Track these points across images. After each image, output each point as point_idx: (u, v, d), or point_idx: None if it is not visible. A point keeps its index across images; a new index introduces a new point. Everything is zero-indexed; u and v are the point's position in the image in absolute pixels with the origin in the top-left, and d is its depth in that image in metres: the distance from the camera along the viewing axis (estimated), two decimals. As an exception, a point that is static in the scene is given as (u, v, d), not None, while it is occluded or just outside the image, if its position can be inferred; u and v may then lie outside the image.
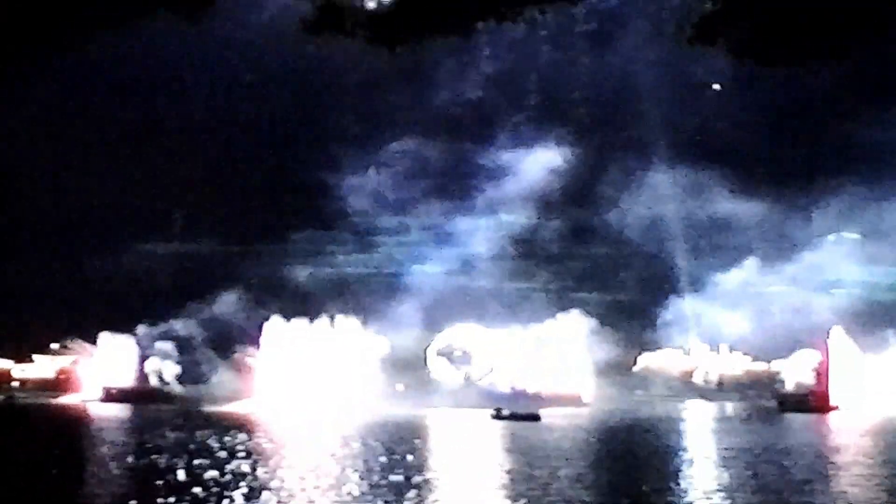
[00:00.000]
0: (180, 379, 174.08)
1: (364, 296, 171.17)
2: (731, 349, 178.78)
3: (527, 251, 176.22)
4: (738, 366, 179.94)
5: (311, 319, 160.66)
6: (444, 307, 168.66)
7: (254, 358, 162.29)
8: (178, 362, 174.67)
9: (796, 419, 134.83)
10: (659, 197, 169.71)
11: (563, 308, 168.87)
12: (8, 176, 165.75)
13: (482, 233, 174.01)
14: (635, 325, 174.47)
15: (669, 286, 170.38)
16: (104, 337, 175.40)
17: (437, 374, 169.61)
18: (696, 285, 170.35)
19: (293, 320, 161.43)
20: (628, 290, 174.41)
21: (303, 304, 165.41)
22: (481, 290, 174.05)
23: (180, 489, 56.74)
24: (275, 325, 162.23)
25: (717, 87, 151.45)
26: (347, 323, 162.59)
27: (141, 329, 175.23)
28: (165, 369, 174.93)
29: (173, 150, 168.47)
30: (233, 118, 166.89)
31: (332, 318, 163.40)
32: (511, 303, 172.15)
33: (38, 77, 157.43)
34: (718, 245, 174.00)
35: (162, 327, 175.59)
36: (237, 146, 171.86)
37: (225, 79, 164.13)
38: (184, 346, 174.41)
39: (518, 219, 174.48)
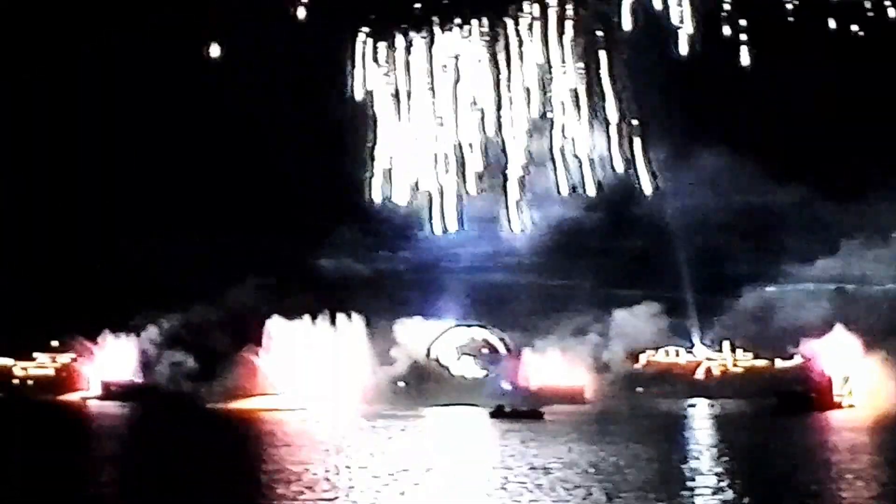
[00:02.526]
0: (185, 376, 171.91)
1: (397, 291, 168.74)
2: (734, 347, 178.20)
3: (569, 245, 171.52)
4: (741, 363, 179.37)
5: (337, 315, 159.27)
6: (477, 303, 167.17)
7: (257, 356, 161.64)
8: (184, 359, 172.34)
9: (798, 417, 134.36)
10: (701, 188, 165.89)
11: (607, 305, 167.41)
12: (5, 172, 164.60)
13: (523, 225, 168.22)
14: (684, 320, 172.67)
15: (718, 281, 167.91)
16: (106, 334, 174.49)
17: (456, 371, 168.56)
18: (737, 282, 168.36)
19: (302, 318, 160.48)
20: (675, 286, 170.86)
21: (333, 298, 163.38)
22: (520, 285, 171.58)
23: (185, 488, 56.36)
24: (276, 324, 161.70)
25: None
26: (350, 322, 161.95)
27: (146, 324, 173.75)
28: (172, 365, 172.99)
29: (206, 143, 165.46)
30: (270, 111, 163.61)
31: (333, 317, 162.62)
32: (554, 299, 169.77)
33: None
34: (763, 239, 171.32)
35: (169, 323, 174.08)
36: (273, 138, 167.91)
37: (262, 71, 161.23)
38: (193, 343, 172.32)
39: (560, 211, 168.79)
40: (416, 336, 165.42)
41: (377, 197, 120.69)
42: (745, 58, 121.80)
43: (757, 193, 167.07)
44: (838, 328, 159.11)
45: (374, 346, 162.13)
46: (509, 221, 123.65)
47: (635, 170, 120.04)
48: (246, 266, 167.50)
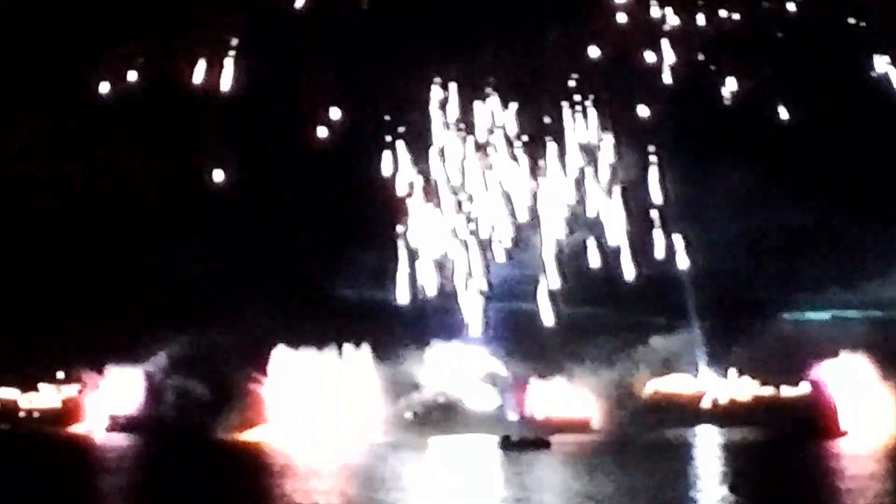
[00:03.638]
0: (193, 406, 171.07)
1: (415, 321, 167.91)
2: (741, 374, 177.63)
3: (590, 272, 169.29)
4: (748, 391, 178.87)
5: (347, 344, 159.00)
6: (497, 331, 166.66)
7: (263, 386, 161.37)
8: (192, 388, 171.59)
9: (805, 444, 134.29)
10: (725, 209, 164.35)
11: (624, 333, 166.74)
12: (9, 192, 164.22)
13: (543, 254, 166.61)
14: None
15: (736, 308, 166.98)
16: (112, 364, 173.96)
17: (469, 401, 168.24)
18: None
19: (311, 347, 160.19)
20: (692, 313, 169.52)
21: (349, 326, 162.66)
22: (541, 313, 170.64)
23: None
24: (281, 353, 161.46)
25: None
26: (360, 351, 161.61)
27: (153, 352, 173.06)
28: (179, 395, 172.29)
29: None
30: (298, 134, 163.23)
31: (341, 346, 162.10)
32: (578, 332, 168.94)
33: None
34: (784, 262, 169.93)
35: (177, 352, 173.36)
36: (298, 160, 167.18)
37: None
38: (201, 372, 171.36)
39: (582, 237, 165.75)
40: (429, 366, 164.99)
41: (404, 297, 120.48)
42: (783, 112, 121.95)
43: (786, 216, 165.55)
44: (849, 354, 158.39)
45: (386, 377, 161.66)
46: (540, 315, 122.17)
47: (674, 255, 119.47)
48: (260, 291, 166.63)
